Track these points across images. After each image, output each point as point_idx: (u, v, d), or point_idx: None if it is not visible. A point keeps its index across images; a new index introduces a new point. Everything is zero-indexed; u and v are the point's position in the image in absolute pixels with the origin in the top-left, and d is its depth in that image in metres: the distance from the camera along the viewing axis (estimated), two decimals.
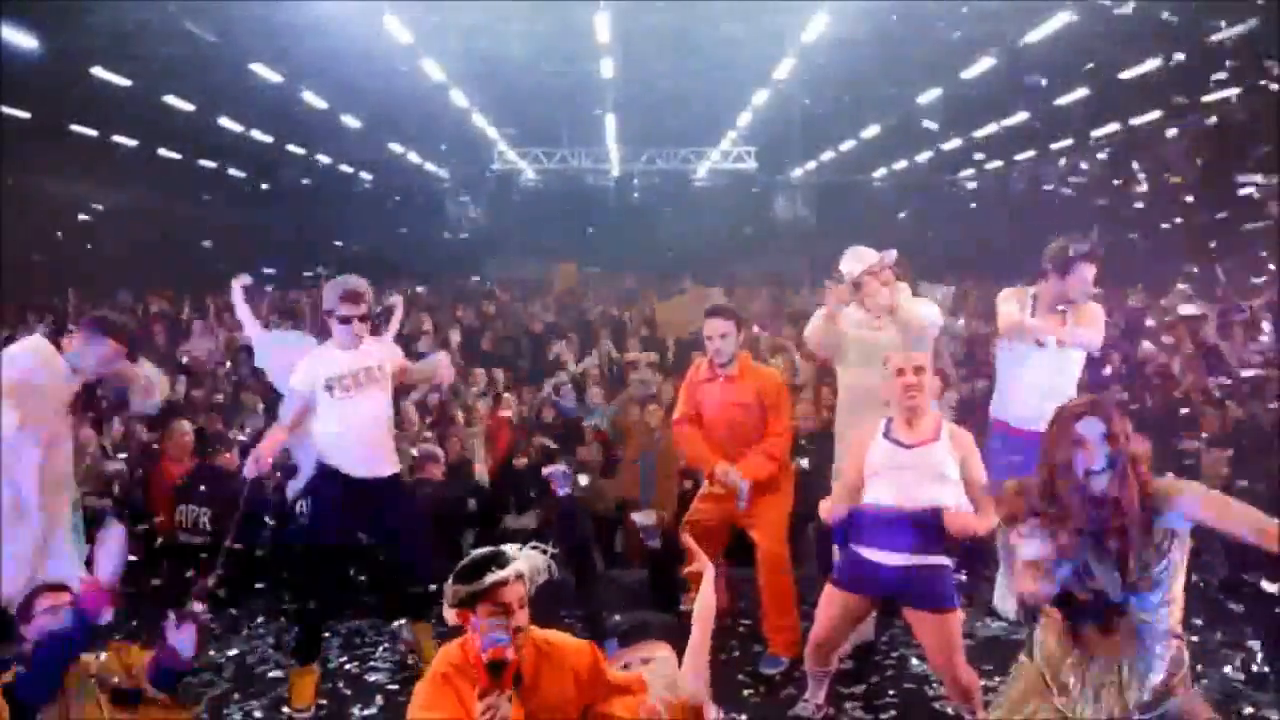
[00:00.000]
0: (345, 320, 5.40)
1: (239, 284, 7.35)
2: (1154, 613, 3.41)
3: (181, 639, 3.94)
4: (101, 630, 4.21)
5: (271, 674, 5.87)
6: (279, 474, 6.72)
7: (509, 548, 3.33)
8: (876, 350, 5.35)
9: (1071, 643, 3.51)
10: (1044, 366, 5.58)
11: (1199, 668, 4.97)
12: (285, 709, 5.42)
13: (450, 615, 3.27)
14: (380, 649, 6.17)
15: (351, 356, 5.41)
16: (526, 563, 3.29)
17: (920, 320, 5.54)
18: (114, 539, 4.21)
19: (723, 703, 5.32)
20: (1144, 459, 3.46)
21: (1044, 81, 18.21)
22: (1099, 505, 3.37)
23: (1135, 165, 23.55)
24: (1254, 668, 5.51)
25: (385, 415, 5.56)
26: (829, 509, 4.78)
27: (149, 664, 3.96)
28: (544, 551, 3.36)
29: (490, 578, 3.17)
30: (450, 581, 3.24)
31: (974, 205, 37.31)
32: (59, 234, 21.19)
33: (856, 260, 5.72)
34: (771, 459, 5.64)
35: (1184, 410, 8.96)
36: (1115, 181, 25.37)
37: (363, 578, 6.70)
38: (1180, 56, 19.93)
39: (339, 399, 5.35)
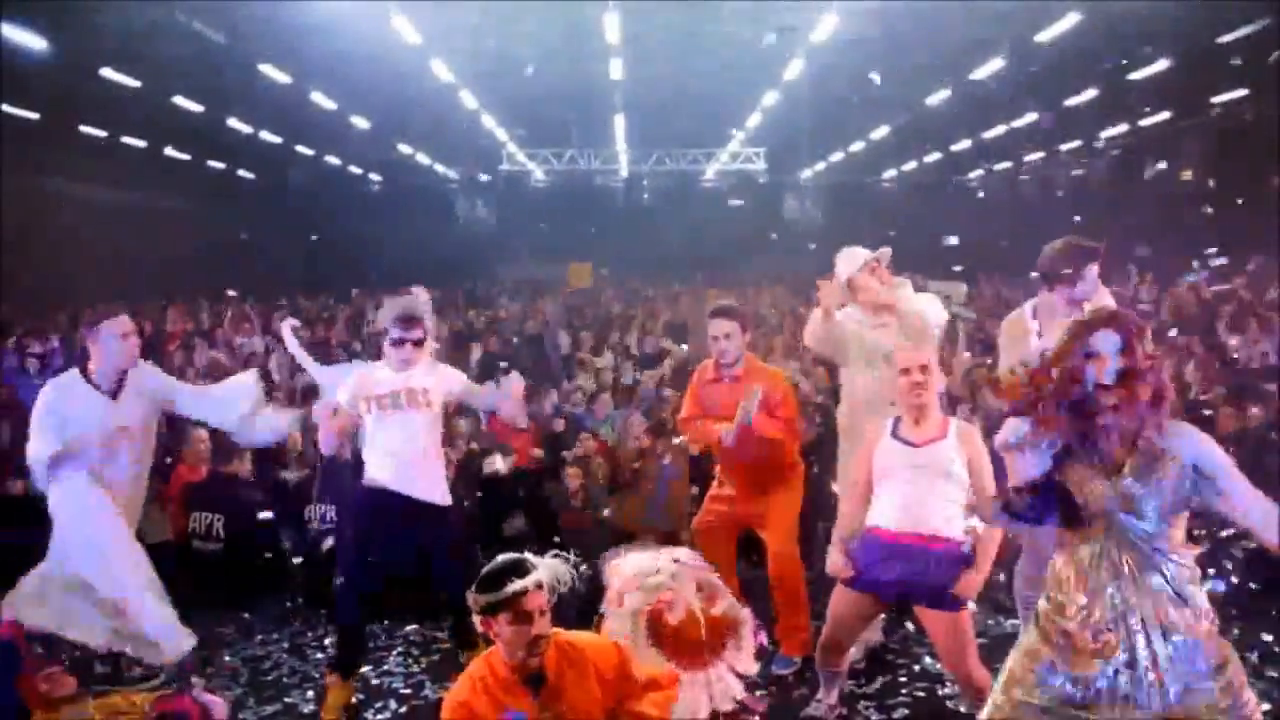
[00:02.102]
0: (398, 343, 5.33)
1: (288, 327, 7.16)
2: (1155, 546, 3.30)
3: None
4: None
5: (285, 679, 5.87)
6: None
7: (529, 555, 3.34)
8: (878, 349, 5.36)
9: (1081, 570, 3.40)
10: None
11: None
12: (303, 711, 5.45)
13: (475, 622, 3.28)
14: (394, 653, 6.16)
15: (399, 377, 5.33)
16: (548, 571, 3.31)
17: (922, 317, 5.50)
18: None
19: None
20: (1164, 383, 3.32)
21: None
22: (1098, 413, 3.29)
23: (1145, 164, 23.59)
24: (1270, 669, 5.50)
25: (426, 439, 5.40)
26: (835, 565, 4.69)
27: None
28: (565, 560, 3.37)
29: (511, 587, 3.20)
30: (473, 590, 3.25)
31: (982, 204, 37.31)
32: (65, 235, 21.26)
33: (848, 261, 5.68)
34: (780, 423, 5.60)
35: (1204, 413, 8.92)
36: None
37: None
38: (1190, 57, 19.92)
39: (376, 416, 5.29)
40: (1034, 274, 5.19)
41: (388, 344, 5.38)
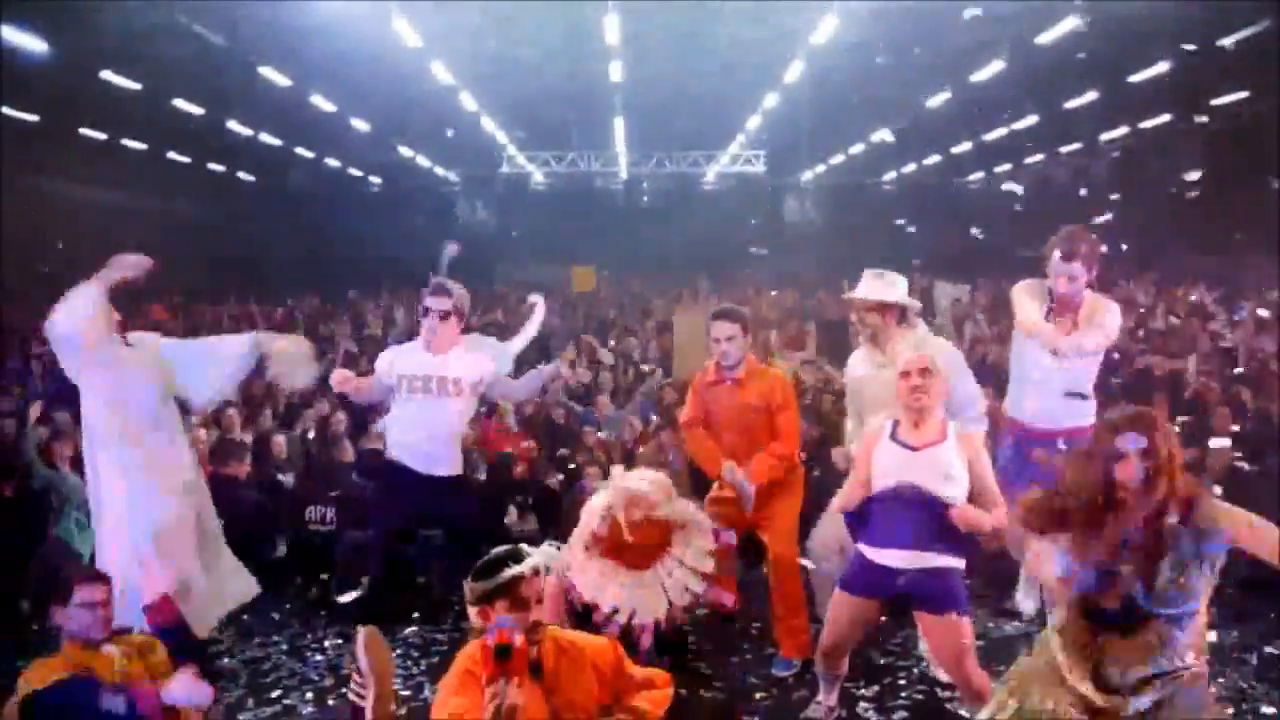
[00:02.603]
0: (426, 312, 5.58)
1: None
2: (1179, 625, 3.37)
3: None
4: None
5: (285, 680, 5.86)
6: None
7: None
8: (880, 396, 5.22)
9: (1088, 642, 3.47)
10: (1059, 364, 5.43)
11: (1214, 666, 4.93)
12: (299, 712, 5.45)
13: (471, 614, 3.28)
14: (393, 654, 6.14)
15: (432, 361, 5.54)
16: (543, 558, 3.32)
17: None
18: None
19: (734, 705, 5.35)
20: (1186, 476, 3.40)
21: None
22: (1131, 518, 3.34)
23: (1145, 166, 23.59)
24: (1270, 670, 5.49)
25: (453, 426, 5.67)
26: (842, 501, 4.78)
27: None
28: (558, 549, 3.39)
29: (508, 573, 3.20)
30: (469, 579, 3.25)
31: (983, 207, 37.32)
32: (65, 237, 21.28)
33: (866, 287, 5.52)
34: (779, 459, 5.61)
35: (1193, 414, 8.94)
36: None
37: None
38: (1189, 59, 19.92)
39: (407, 398, 5.51)
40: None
41: (424, 315, 5.65)
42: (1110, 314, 5.35)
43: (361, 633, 3.79)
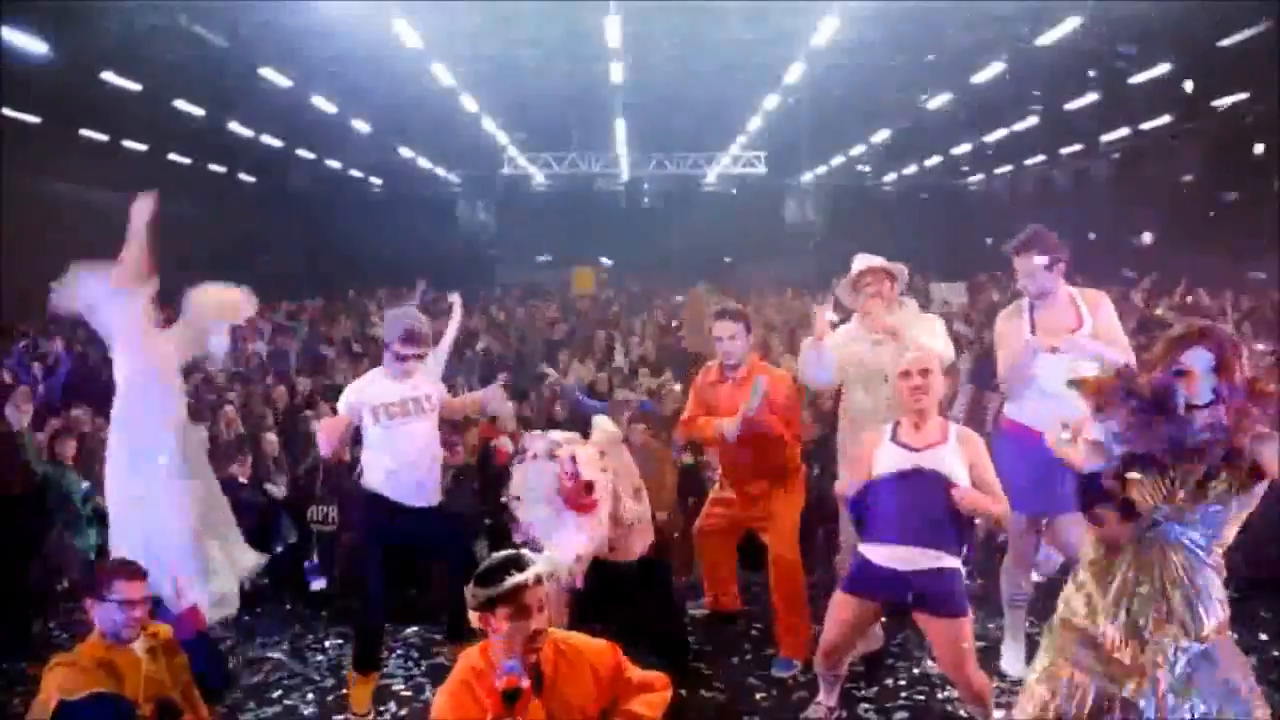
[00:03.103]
0: (401, 358, 5.42)
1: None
2: (1201, 551, 3.29)
3: None
4: None
5: (286, 681, 5.87)
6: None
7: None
8: (878, 369, 5.35)
9: (1115, 556, 3.38)
10: (1058, 365, 5.34)
11: None
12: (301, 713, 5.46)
13: (472, 618, 3.28)
14: (394, 655, 6.16)
15: (402, 386, 5.43)
16: (546, 565, 3.33)
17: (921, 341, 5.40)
18: None
19: (735, 705, 5.35)
20: (1261, 398, 3.21)
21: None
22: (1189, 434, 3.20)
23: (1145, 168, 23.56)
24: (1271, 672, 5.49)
25: (435, 446, 5.57)
26: (844, 485, 4.80)
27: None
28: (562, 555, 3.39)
29: (510, 580, 3.19)
30: (471, 585, 3.25)
31: (983, 208, 37.32)
32: (66, 238, 21.25)
33: (863, 261, 5.69)
34: (779, 417, 5.60)
35: None
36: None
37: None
38: (1190, 61, 19.93)
39: (386, 426, 5.36)
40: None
41: (390, 356, 5.46)
42: (1104, 305, 5.25)
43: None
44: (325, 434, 5.47)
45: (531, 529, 4.84)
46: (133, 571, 3.92)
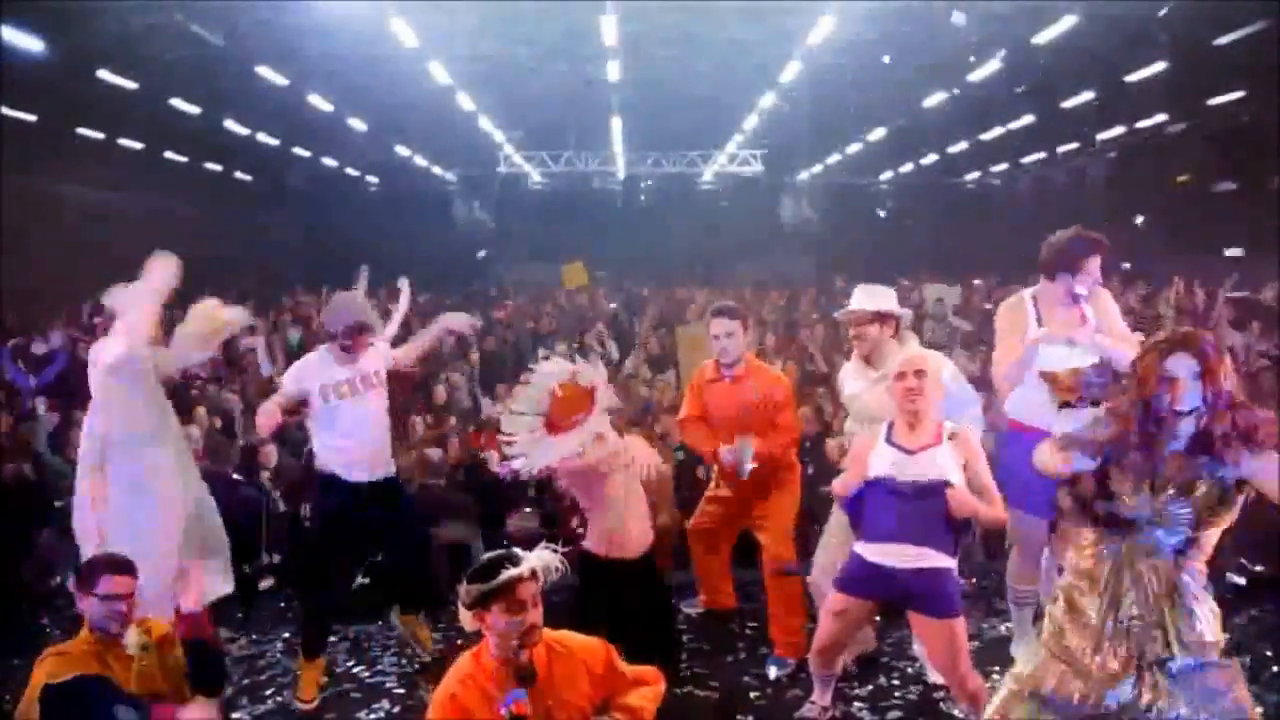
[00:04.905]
0: (346, 349, 5.43)
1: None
2: (1184, 557, 3.29)
3: None
4: None
5: (280, 677, 5.87)
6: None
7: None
8: (880, 412, 5.04)
9: (1102, 571, 3.38)
10: (1063, 362, 5.25)
11: None
12: (295, 705, 5.47)
13: (466, 619, 3.28)
14: (388, 653, 6.16)
15: (348, 366, 5.44)
16: (539, 560, 3.32)
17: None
18: None
19: (729, 704, 5.35)
20: (1244, 404, 3.25)
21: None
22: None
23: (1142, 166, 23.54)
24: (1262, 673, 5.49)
25: (384, 420, 5.60)
26: (841, 484, 4.79)
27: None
28: (554, 551, 3.38)
29: (505, 575, 3.21)
30: (464, 583, 3.25)
31: (979, 207, 37.33)
32: (63, 236, 21.25)
33: (856, 301, 5.47)
34: (776, 447, 5.61)
35: None
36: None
37: (366, 580, 6.66)
38: (1187, 59, 19.92)
39: (334, 404, 5.38)
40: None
41: (336, 345, 5.46)
42: (1106, 300, 5.20)
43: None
44: (265, 416, 5.38)
45: (512, 450, 4.77)
46: (117, 565, 3.91)
